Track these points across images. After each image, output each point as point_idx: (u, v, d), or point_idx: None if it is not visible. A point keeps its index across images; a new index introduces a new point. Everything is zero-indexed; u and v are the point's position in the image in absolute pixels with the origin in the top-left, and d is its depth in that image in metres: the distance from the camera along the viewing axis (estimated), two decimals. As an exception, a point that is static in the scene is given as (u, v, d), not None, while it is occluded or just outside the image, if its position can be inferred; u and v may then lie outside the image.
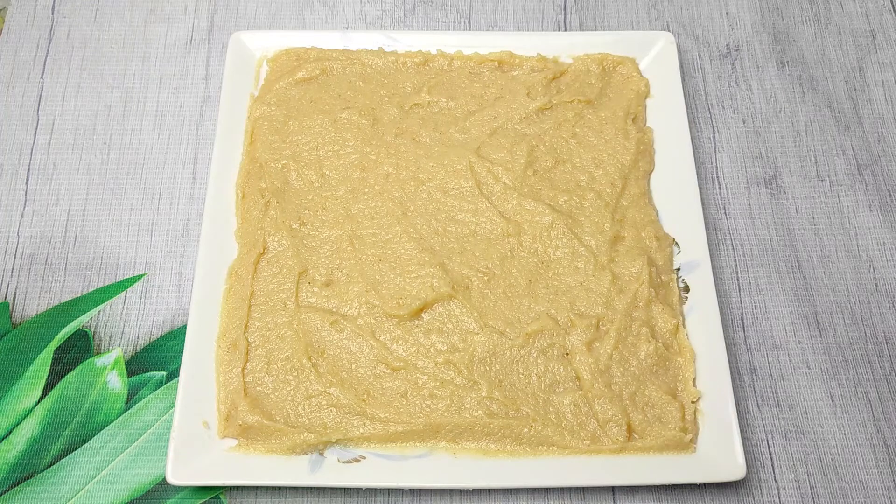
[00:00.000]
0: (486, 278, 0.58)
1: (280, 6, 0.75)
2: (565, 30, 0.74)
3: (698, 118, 0.69)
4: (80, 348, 0.59)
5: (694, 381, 0.56)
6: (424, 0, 0.75)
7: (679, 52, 0.68)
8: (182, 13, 0.74)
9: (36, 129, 0.68)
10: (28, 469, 0.55)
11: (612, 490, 0.55)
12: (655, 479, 0.52)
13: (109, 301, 0.61)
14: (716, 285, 0.59)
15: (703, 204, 0.62)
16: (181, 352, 0.56)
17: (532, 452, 0.53)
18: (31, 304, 0.61)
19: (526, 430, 0.53)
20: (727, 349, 0.56)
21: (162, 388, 0.58)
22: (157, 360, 0.59)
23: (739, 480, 0.53)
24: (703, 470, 0.52)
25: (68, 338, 0.60)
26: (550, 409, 0.54)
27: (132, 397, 0.58)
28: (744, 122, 0.69)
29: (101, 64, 0.72)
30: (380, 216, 0.61)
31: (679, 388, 0.55)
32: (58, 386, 0.58)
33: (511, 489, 0.55)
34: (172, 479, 0.51)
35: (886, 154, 0.68)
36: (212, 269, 0.59)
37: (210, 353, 0.56)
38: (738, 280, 0.63)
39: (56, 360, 0.59)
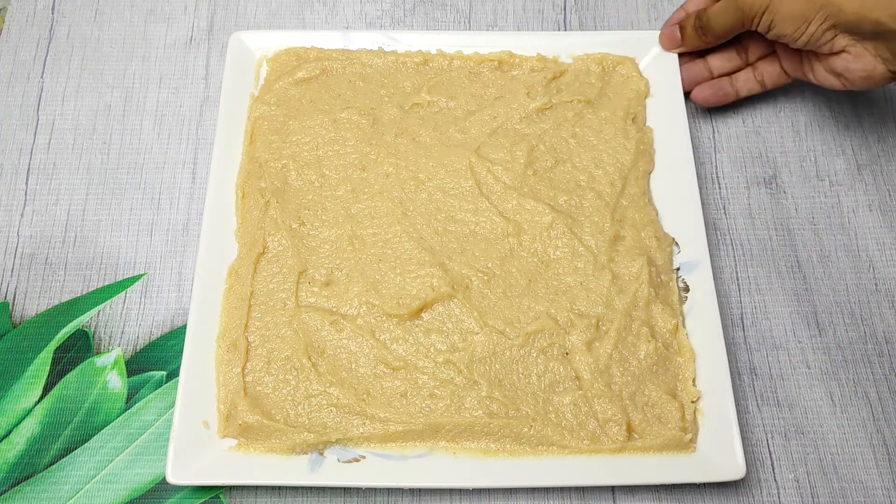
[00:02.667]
0: (485, 278, 0.58)
1: (280, 6, 0.75)
2: (565, 30, 0.74)
3: (698, 118, 0.69)
4: (80, 348, 0.60)
5: (694, 380, 0.56)
6: (424, 0, 0.75)
7: (679, 51, 0.68)
8: (182, 13, 0.74)
9: (36, 129, 0.68)
10: (28, 469, 0.55)
11: (612, 490, 0.55)
12: (655, 479, 0.52)
13: (109, 301, 0.61)
14: (716, 285, 0.59)
15: (703, 204, 0.62)
16: (181, 352, 0.56)
17: (532, 452, 0.53)
18: (31, 304, 0.61)
19: (526, 429, 0.53)
20: (727, 349, 0.56)
21: (162, 387, 0.58)
22: (157, 359, 0.59)
23: (739, 480, 0.53)
24: (703, 470, 0.52)
25: (68, 337, 0.60)
26: (550, 408, 0.54)
27: (132, 397, 0.58)
28: (744, 122, 0.69)
29: (101, 64, 0.72)
30: (380, 216, 0.61)
31: (679, 388, 0.55)
32: (58, 386, 0.58)
33: (511, 489, 0.55)
34: (172, 479, 0.51)
35: (886, 154, 0.68)
36: (212, 269, 0.59)
37: (210, 352, 0.56)
38: (738, 280, 0.63)
39: (56, 360, 0.59)
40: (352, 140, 0.64)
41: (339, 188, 0.62)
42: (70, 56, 0.72)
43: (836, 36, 0.58)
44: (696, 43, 0.65)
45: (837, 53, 0.60)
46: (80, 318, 0.61)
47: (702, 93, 0.67)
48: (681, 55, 0.67)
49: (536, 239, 0.60)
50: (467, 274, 0.59)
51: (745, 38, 0.67)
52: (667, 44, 0.67)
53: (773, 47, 0.67)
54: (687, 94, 0.67)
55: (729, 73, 0.68)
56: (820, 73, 0.63)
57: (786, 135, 0.69)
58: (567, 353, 0.56)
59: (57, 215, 0.65)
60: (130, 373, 0.59)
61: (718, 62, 0.67)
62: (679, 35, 0.66)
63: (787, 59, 0.66)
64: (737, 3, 0.61)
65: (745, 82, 0.67)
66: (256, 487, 0.55)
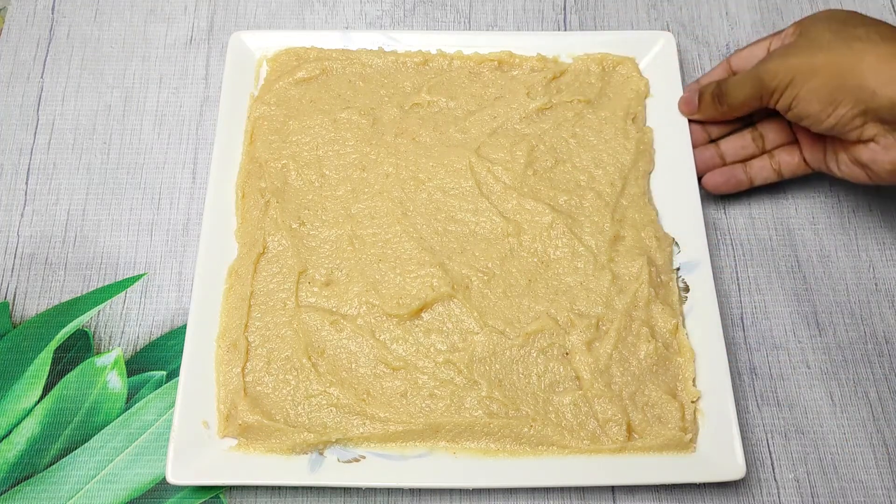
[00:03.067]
0: (485, 278, 0.58)
1: (280, 6, 0.75)
2: (565, 30, 0.74)
3: (698, 118, 0.69)
4: (80, 348, 0.60)
5: (694, 380, 0.56)
6: (424, 0, 0.75)
7: (679, 52, 0.68)
8: (182, 13, 0.74)
9: (36, 129, 0.68)
10: (28, 469, 0.55)
11: (612, 490, 0.55)
12: (655, 479, 0.52)
13: (109, 301, 0.61)
14: (716, 285, 0.59)
15: (703, 204, 0.62)
16: (181, 351, 0.56)
17: (532, 452, 0.53)
18: (31, 304, 0.61)
19: (526, 429, 0.53)
20: (727, 349, 0.57)
21: (162, 387, 0.58)
22: (157, 359, 0.59)
23: (739, 480, 0.53)
24: (703, 470, 0.52)
25: (68, 337, 0.60)
26: (550, 408, 0.54)
27: (132, 397, 0.58)
28: (744, 122, 0.69)
29: (101, 64, 0.72)
30: (380, 216, 0.61)
31: (679, 388, 0.55)
32: (58, 386, 0.58)
33: (511, 489, 0.55)
34: (172, 479, 0.51)
35: (886, 154, 0.68)
36: (212, 269, 0.59)
37: (210, 352, 0.56)
38: (738, 280, 0.63)
39: (56, 360, 0.59)
40: (352, 140, 0.64)
41: (339, 188, 0.62)
42: (70, 56, 0.72)
43: (865, 123, 0.53)
44: (711, 111, 0.62)
45: (865, 142, 0.55)
46: (80, 318, 0.61)
47: (713, 179, 0.63)
48: (695, 144, 0.64)
49: (536, 239, 0.60)
50: (467, 274, 0.59)
51: (762, 124, 0.64)
52: (684, 109, 0.64)
53: (794, 136, 0.63)
54: (699, 179, 0.64)
55: (743, 161, 0.64)
56: (844, 164, 0.58)
57: (786, 135, 0.69)
58: (567, 353, 0.56)
59: (57, 215, 0.65)
60: (130, 373, 0.59)
61: (732, 149, 0.64)
62: (696, 101, 0.63)
63: (809, 149, 0.61)
64: (757, 73, 0.57)
65: (761, 170, 0.63)
66: (256, 487, 0.55)
